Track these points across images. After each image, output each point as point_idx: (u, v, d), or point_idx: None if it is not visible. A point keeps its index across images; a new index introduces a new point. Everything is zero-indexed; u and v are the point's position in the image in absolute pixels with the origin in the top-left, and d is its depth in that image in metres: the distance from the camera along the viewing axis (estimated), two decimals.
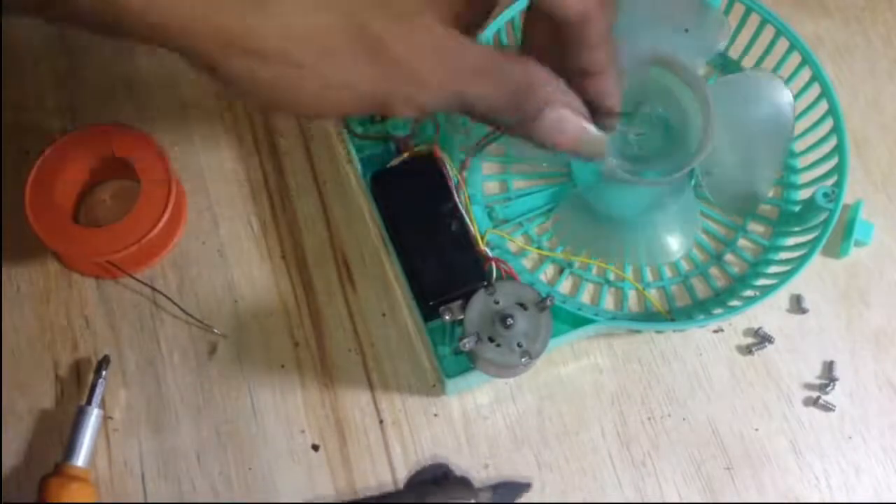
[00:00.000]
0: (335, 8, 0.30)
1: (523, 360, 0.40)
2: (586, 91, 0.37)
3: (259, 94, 0.32)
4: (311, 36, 0.30)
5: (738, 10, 0.52)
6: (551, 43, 0.37)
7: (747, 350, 0.50)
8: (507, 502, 0.45)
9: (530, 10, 0.38)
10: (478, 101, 0.34)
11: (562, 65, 0.36)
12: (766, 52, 0.53)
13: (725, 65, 0.55)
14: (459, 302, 0.42)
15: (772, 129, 0.49)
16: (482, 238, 0.45)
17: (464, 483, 0.44)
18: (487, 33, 0.49)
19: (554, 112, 0.35)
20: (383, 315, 0.50)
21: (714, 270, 0.52)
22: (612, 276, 0.51)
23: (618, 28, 0.48)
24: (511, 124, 0.36)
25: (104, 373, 0.47)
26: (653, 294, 0.51)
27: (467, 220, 0.45)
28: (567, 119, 0.36)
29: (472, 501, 0.43)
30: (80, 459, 0.45)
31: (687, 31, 0.49)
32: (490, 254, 0.44)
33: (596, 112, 0.37)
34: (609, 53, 0.37)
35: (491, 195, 0.53)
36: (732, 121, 0.49)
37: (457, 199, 0.45)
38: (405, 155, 0.47)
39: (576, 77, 0.37)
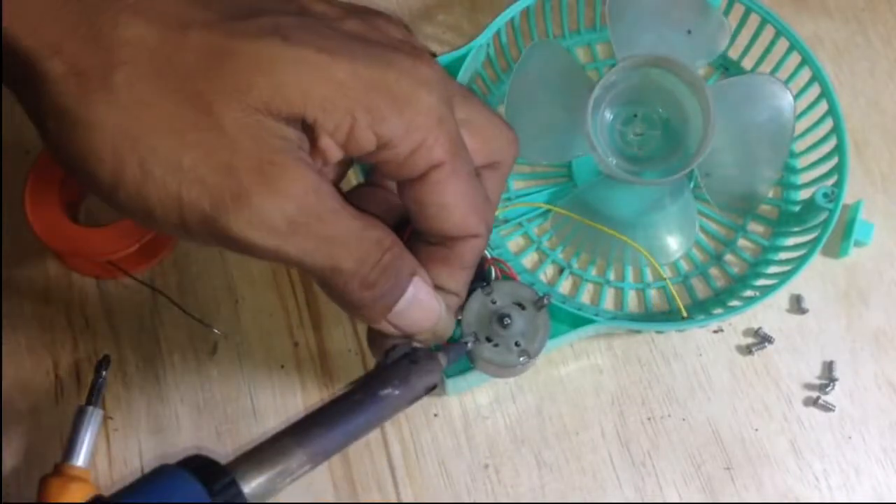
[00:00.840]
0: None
1: (521, 359, 0.40)
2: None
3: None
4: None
5: (738, 10, 0.52)
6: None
7: (747, 350, 0.50)
8: (458, 357, 0.45)
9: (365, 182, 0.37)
10: (304, 261, 0.30)
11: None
12: (766, 52, 0.53)
13: (725, 65, 0.55)
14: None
15: (772, 130, 0.49)
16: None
17: (429, 354, 0.45)
18: (488, 33, 0.49)
19: (410, 291, 0.33)
20: None
21: (714, 271, 0.52)
22: (611, 276, 0.51)
23: (621, 29, 0.48)
24: (359, 307, 0.33)
25: (104, 373, 0.47)
26: (652, 294, 0.51)
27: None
28: (425, 296, 0.34)
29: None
30: (80, 459, 0.45)
31: (689, 32, 0.49)
32: (489, 254, 0.44)
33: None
34: (468, 281, 0.36)
35: None
36: (732, 123, 0.48)
37: None
38: None
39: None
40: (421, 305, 0.34)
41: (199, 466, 0.30)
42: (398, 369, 0.43)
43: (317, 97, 0.29)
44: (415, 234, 0.35)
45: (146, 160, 0.28)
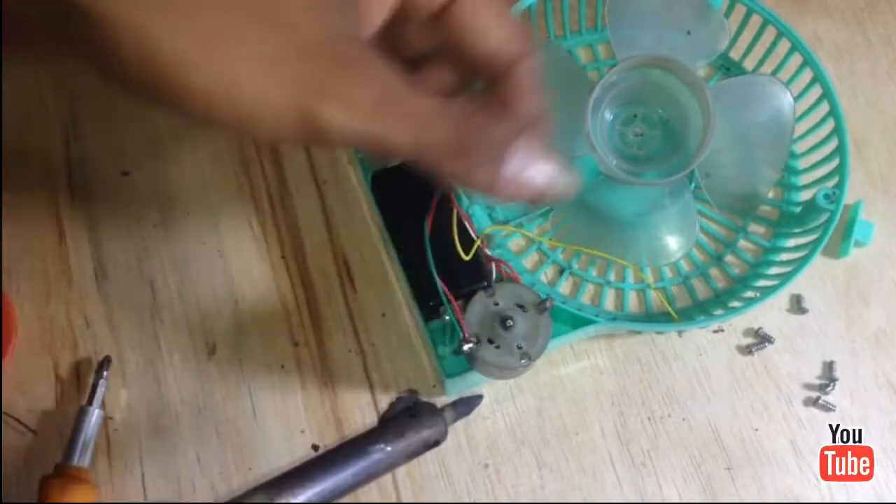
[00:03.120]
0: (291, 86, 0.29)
1: (523, 361, 0.40)
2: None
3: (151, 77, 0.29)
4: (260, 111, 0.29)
5: (740, 10, 0.52)
6: (459, 85, 0.36)
7: (747, 350, 0.50)
8: (468, 412, 0.46)
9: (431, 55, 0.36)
10: (394, 140, 0.31)
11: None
12: (768, 53, 0.53)
13: (727, 66, 0.55)
14: (460, 302, 0.42)
15: (772, 131, 0.49)
16: (480, 238, 0.45)
17: (432, 409, 0.45)
18: None
19: (514, 164, 0.32)
20: (383, 315, 0.50)
21: (714, 271, 0.52)
22: (612, 277, 0.51)
23: (620, 30, 0.48)
24: (458, 175, 0.32)
25: (105, 373, 0.47)
26: (653, 295, 0.51)
27: (466, 221, 0.45)
28: (533, 167, 0.33)
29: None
30: (81, 460, 0.45)
31: (689, 33, 0.49)
32: (490, 254, 0.44)
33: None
34: (541, 97, 0.35)
35: None
36: (732, 123, 0.48)
37: (455, 200, 0.45)
38: None
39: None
40: (529, 165, 0.33)
41: None
42: (395, 424, 0.43)
43: None
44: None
45: (234, 65, 0.28)
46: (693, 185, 0.51)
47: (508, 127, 0.33)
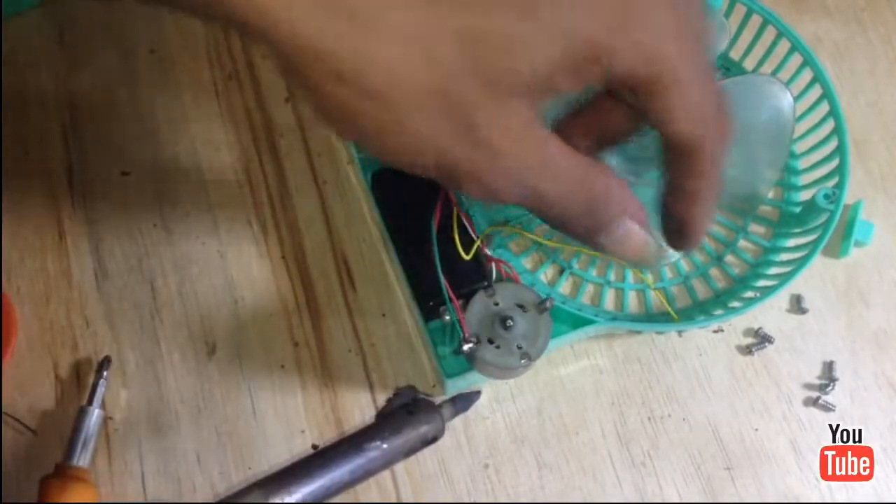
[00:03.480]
0: (437, 65, 0.29)
1: (523, 361, 0.40)
2: (677, 214, 0.37)
3: (337, 119, 0.31)
4: (408, 86, 0.30)
5: (740, 10, 0.52)
6: (624, 132, 0.36)
7: (747, 350, 0.50)
8: (467, 408, 0.46)
9: (602, 96, 0.37)
10: (551, 203, 0.33)
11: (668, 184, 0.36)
12: (768, 53, 0.53)
13: (727, 66, 0.55)
14: (460, 302, 0.42)
15: (772, 131, 0.49)
16: (483, 241, 0.45)
17: (429, 405, 0.45)
18: None
19: (621, 228, 0.35)
20: (383, 315, 0.50)
21: (714, 271, 0.52)
22: (612, 277, 0.51)
23: None
24: (578, 232, 0.35)
25: (105, 373, 0.47)
26: (653, 295, 0.51)
27: (465, 221, 0.45)
28: (634, 234, 0.35)
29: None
30: (81, 460, 0.45)
31: None
32: (490, 254, 0.44)
33: (678, 233, 0.37)
34: (712, 183, 0.36)
35: None
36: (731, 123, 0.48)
37: (455, 200, 0.45)
38: None
39: (671, 193, 0.36)
40: (626, 241, 0.35)
41: None
42: (393, 421, 0.43)
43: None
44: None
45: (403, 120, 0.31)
46: None
47: (622, 204, 0.35)
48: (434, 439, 0.45)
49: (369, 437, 0.44)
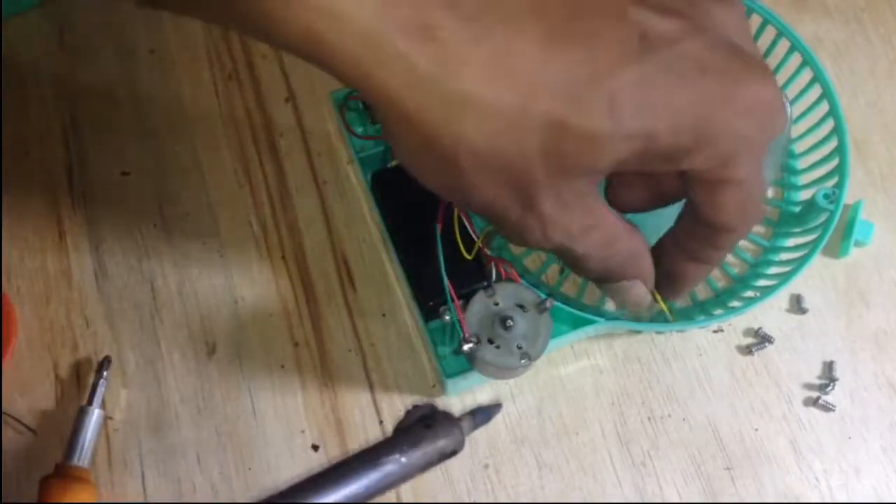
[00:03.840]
0: (517, 145, 0.30)
1: (523, 361, 0.40)
2: (675, 266, 0.39)
3: (415, 167, 0.33)
4: (483, 158, 0.31)
5: None
6: (648, 203, 0.38)
7: (747, 350, 0.50)
8: (486, 422, 0.46)
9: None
10: (578, 258, 0.36)
11: (680, 236, 0.38)
12: (767, 52, 0.53)
13: None
14: (460, 302, 0.42)
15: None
16: (483, 242, 0.45)
17: (448, 418, 0.44)
18: None
19: (635, 286, 0.38)
20: (383, 315, 0.50)
21: (714, 271, 0.51)
22: None
23: None
24: (590, 277, 0.38)
25: (105, 373, 0.47)
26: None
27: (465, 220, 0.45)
28: (636, 289, 0.38)
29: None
30: (81, 460, 0.45)
31: None
32: (490, 254, 0.44)
33: (666, 284, 0.40)
34: (724, 256, 0.39)
35: None
36: None
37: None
38: None
39: (677, 249, 0.38)
40: (627, 294, 0.39)
41: None
42: (411, 435, 0.43)
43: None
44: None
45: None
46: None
47: (636, 270, 0.38)
48: (453, 453, 0.45)
49: (386, 451, 0.44)
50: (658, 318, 0.50)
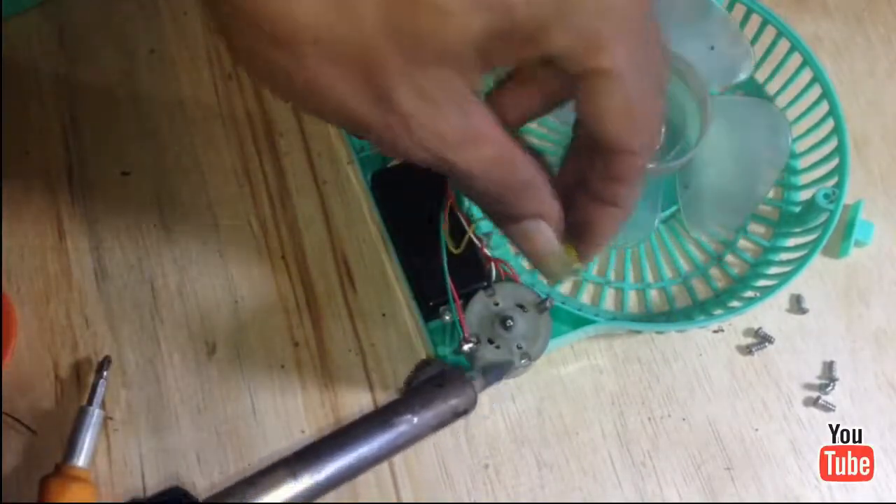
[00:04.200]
0: (357, 21, 0.28)
1: (523, 361, 0.40)
2: (583, 212, 0.35)
3: (256, 68, 0.30)
4: (323, 39, 0.28)
5: (740, 10, 0.52)
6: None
7: (747, 350, 0.50)
8: (497, 380, 0.44)
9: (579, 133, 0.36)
10: (466, 178, 0.32)
11: (584, 175, 0.34)
12: (767, 52, 0.53)
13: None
14: (460, 302, 0.42)
15: (768, 153, 0.49)
16: (481, 240, 0.45)
17: (460, 377, 0.43)
18: None
19: (532, 223, 0.34)
20: (383, 315, 0.50)
21: (714, 271, 0.52)
22: (611, 276, 0.51)
23: None
24: (483, 209, 0.35)
25: (105, 373, 0.47)
26: (653, 295, 0.51)
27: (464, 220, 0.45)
28: (542, 233, 0.34)
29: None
30: (81, 460, 0.45)
31: (713, 48, 0.49)
32: (490, 254, 0.44)
33: (577, 237, 0.35)
34: (628, 195, 0.34)
35: None
36: (721, 143, 0.49)
37: (455, 200, 0.45)
38: None
39: (582, 193, 0.35)
40: (531, 238, 0.35)
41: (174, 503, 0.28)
42: (422, 394, 0.42)
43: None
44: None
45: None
46: (676, 207, 0.51)
47: (538, 206, 0.34)
48: (465, 412, 0.43)
49: (399, 411, 0.42)
50: (659, 319, 0.50)
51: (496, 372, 0.43)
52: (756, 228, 0.53)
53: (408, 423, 0.41)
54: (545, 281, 0.41)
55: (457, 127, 0.30)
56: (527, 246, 0.35)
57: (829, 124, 0.50)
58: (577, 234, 0.35)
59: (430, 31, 0.28)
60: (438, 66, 0.29)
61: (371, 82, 0.29)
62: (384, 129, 0.30)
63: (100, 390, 0.47)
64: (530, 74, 0.34)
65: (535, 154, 0.34)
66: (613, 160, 0.33)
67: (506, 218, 0.34)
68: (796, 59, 0.51)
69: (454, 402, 0.42)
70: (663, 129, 0.49)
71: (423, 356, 0.49)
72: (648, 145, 0.33)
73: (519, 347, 0.41)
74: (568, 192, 0.35)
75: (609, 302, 0.51)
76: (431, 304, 0.44)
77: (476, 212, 0.50)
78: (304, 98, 0.30)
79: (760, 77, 0.53)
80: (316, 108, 0.31)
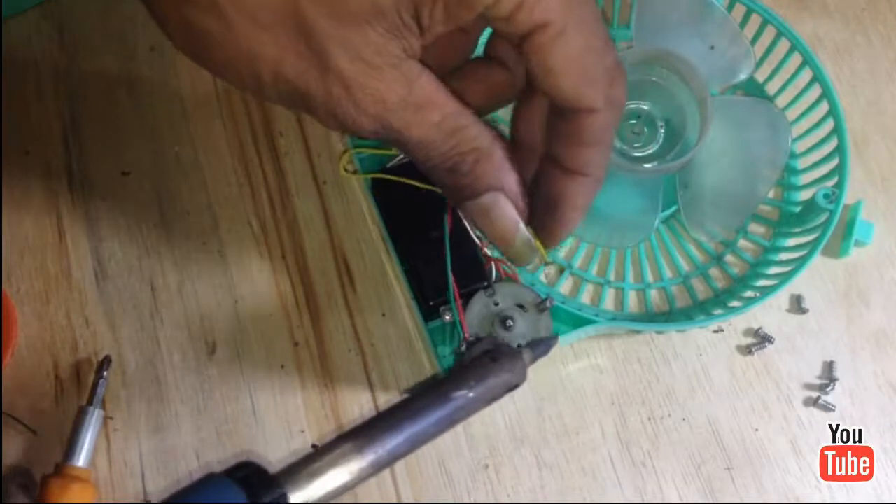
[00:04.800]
0: None
1: None
2: (550, 186, 0.33)
3: (179, 38, 0.30)
4: (248, 4, 0.28)
5: (740, 10, 0.52)
6: (542, 126, 0.33)
7: (747, 350, 0.50)
8: (545, 354, 0.42)
9: (527, 88, 0.34)
10: (412, 147, 0.31)
11: (543, 148, 0.33)
12: (767, 52, 0.53)
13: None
14: (460, 302, 0.42)
15: (767, 155, 0.49)
16: (481, 241, 0.45)
17: (512, 350, 0.43)
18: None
19: (490, 196, 0.32)
20: (383, 315, 0.50)
21: (714, 271, 0.52)
22: (612, 276, 0.51)
23: (645, 22, 0.47)
24: (442, 186, 0.32)
25: (105, 373, 0.47)
26: (653, 295, 0.51)
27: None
28: (501, 208, 0.32)
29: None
30: (81, 460, 0.45)
31: (713, 48, 0.49)
32: (490, 254, 0.44)
33: (545, 214, 0.33)
34: (596, 160, 0.32)
35: None
36: (721, 143, 0.49)
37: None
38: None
39: (547, 166, 0.33)
40: (490, 215, 0.32)
41: (248, 476, 0.28)
42: (477, 368, 0.41)
43: None
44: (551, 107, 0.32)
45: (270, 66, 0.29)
46: (676, 207, 0.51)
47: (495, 178, 0.32)
48: (515, 386, 0.43)
49: (456, 386, 0.42)
50: (659, 319, 0.50)
51: (543, 346, 0.42)
52: (756, 228, 0.53)
53: (464, 399, 0.41)
54: (511, 264, 0.38)
55: (398, 90, 0.29)
56: (486, 223, 0.33)
57: (829, 124, 0.50)
58: (546, 211, 0.33)
59: None
60: (371, 27, 0.28)
61: (305, 45, 0.28)
62: (325, 95, 0.29)
63: (100, 390, 0.47)
64: (472, 70, 0.33)
65: (491, 125, 0.32)
66: (575, 121, 0.31)
67: (461, 192, 0.32)
68: (796, 59, 0.51)
69: (507, 376, 0.41)
70: (657, 131, 0.50)
71: (423, 356, 0.49)
72: (610, 100, 0.31)
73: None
74: (529, 163, 0.34)
75: (609, 302, 0.51)
76: (431, 304, 0.44)
77: None
78: (238, 69, 0.30)
79: (760, 77, 0.53)
80: (253, 79, 0.30)
